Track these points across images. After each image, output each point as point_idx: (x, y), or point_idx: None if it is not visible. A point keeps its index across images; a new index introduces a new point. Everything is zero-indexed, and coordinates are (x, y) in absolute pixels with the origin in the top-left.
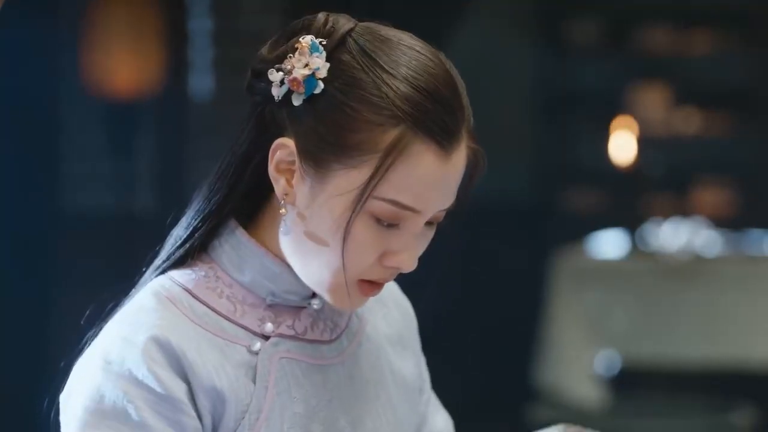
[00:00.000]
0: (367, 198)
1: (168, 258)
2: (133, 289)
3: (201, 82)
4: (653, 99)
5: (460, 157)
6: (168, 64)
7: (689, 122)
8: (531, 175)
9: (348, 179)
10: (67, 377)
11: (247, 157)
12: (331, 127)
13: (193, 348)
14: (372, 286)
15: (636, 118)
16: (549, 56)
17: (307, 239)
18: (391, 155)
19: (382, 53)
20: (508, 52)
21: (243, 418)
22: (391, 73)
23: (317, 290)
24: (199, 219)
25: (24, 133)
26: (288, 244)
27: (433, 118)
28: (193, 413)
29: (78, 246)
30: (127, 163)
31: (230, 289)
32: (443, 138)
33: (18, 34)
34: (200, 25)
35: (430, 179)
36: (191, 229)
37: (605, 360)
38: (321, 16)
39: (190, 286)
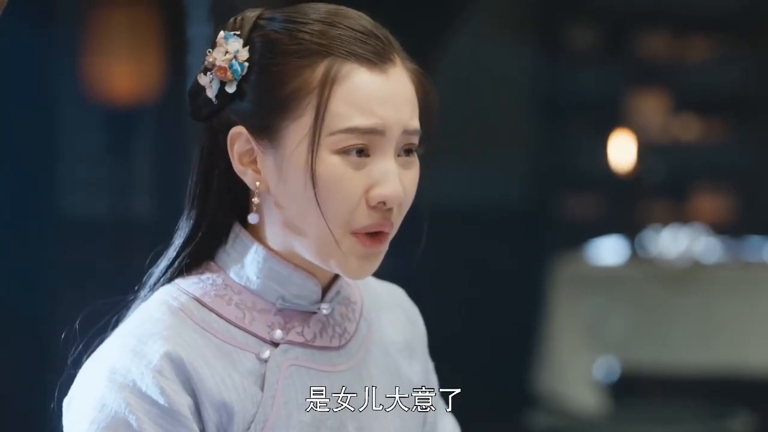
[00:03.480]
0: (319, 133)
1: (152, 288)
2: (122, 318)
3: None
4: (652, 105)
5: (399, 74)
6: (167, 70)
7: (688, 129)
8: (529, 181)
9: (298, 129)
10: (70, 383)
11: (208, 171)
12: (266, 90)
13: (201, 360)
14: (372, 239)
15: (635, 124)
16: (547, 62)
17: (291, 212)
18: (326, 86)
19: (291, 12)
20: (507, 58)
21: (249, 428)
22: (303, 22)
23: (326, 263)
24: (179, 247)
25: (23, 139)
26: (278, 232)
27: (354, 42)
28: (195, 427)
29: (76, 251)
30: (126, 168)
31: (239, 296)
32: (371, 56)
33: (17, 39)
34: (199, 30)
35: (373, 94)
36: (171, 259)
37: (604, 366)
38: (231, 18)
39: (198, 294)
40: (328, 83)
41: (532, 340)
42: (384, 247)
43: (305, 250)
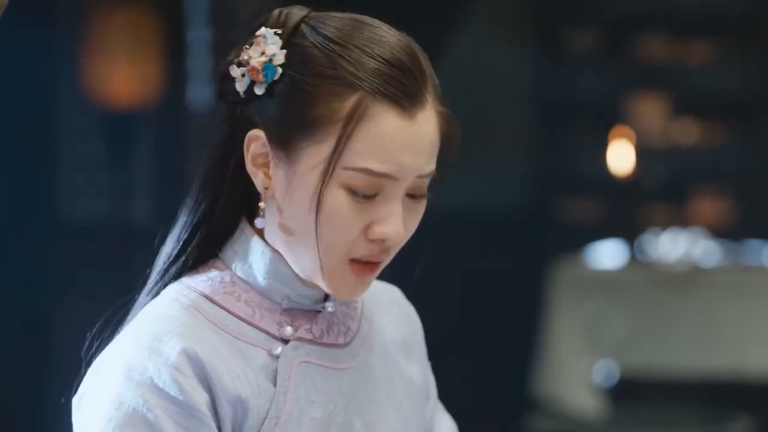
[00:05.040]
0: (334, 166)
1: (161, 278)
2: (129, 314)
3: (199, 91)
4: (651, 109)
5: (427, 119)
6: (166, 74)
7: (687, 132)
8: (529, 184)
9: (316, 154)
10: (72, 386)
11: (224, 161)
12: (293, 106)
13: (216, 356)
14: (364, 267)
15: (634, 127)
16: (547, 65)
17: (290, 228)
18: (351, 121)
19: (335, 29)
20: (507, 61)
21: (263, 424)
22: (344, 46)
23: (316, 280)
24: (188, 232)
25: (22, 143)
26: (277, 238)
27: (389, 80)
28: (212, 423)
29: (75, 256)
30: (125, 172)
31: (247, 294)
32: (402, 98)
33: (16, 43)
34: (198, 35)
35: (396, 140)
36: (182, 243)
37: (603, 370)
38: (275, 11)
39: (207, 292)
40: (354, 119)
41: (531, 344)
42: (376, 274)
43: (296, 263)
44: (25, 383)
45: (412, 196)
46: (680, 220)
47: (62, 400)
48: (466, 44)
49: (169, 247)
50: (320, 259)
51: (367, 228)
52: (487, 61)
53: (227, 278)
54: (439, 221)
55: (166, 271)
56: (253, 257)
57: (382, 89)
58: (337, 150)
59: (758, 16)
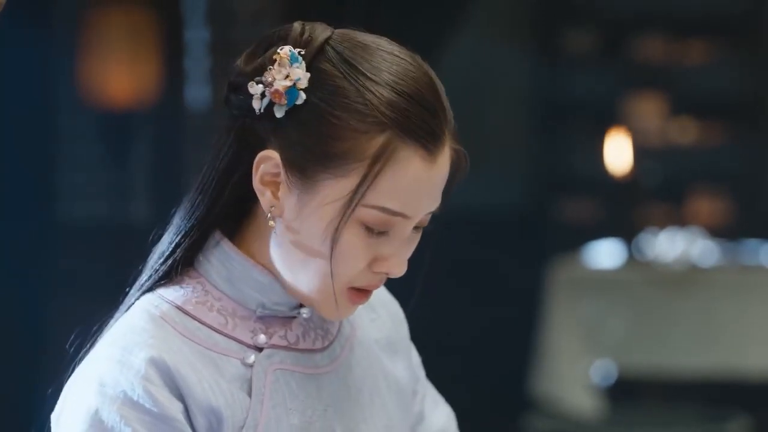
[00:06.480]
0: (356, 206)
1: (151, 275)
2: (118, 311)
3: (197, 91)
4: (649, 108)
5: (444, 160)
6: (164, 74)
7: (685, 132)
8: (526, 184)
9: (336, 188)
10: (59, 395)
11: (228, 172)
12: (317, 137)
13: (187, 366)
14: (360, 294)
15: (632, 127)
16: (544, 65)
17: (297, 250)
18: (378, 162)
19: (362, 60)
20: (504, 62)
21: None
22: (373, 80)
23: (306, 301)
24: (180, 234)
25: (20, 143)
26: (278, 255)
27: (417, 122)
28: (190, 431)
29: (74, 256)
30: (124, 173)
31: (220, 303)
32: (429, 141)
33: (14, 43)
34: (196, 35)
35: (418, 184)
36: (173, 245)
37: (601, 369)
38: (297, 25)
39: (179, 303)
40: (382, 159)
41: (529, 343)
42: (369, 298)
43: (292, 281)
44: (24, 383)
45: (414, 228)
46: (678, 219)
47: (38, 419)
48: (465, 44)
49: (162, 247)
50: (332, 286)
51: (373, 261)
52: (486, 61)
53: (200, 288)
54: (436, 221)
55: (156, 269)
56: (226, 266)
57: (410, 131)
58: (361, 189)
59: (757, 16)
